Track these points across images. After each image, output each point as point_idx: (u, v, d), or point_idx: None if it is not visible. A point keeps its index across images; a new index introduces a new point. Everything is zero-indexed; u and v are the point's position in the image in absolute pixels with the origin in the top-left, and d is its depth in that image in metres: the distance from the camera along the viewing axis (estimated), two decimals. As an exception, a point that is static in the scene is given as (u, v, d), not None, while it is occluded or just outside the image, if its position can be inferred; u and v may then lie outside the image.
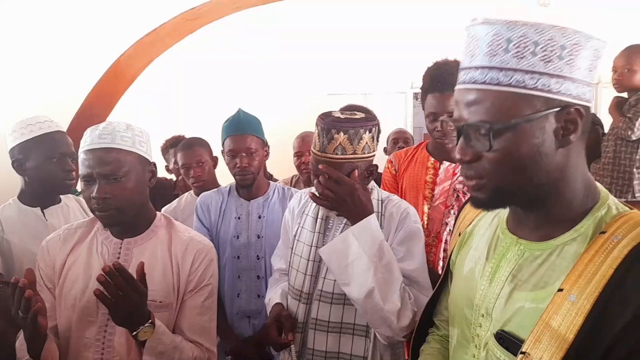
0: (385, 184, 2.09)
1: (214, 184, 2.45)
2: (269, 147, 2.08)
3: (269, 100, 4.25)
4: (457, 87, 0.84)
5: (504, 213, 0.94)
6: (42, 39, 2.42)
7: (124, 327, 1.25)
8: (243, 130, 1.97)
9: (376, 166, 1.53)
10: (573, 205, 0.82)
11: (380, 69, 4.69)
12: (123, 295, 1.17)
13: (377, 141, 1.54)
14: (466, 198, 1.60)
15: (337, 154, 1.43)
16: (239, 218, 2.01)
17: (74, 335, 1.36)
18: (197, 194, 2.27)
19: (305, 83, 4.77)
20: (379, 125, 1.54)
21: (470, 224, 1.03)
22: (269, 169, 3.01)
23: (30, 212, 1.84)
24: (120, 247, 1.41)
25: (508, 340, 0.82)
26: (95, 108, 2.48)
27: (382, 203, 1.55)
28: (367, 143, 1.47)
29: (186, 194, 2.48)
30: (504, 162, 0.78)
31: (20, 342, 1.29)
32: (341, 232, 1.51)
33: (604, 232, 0.77)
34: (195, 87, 4.75)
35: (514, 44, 0.75)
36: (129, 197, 1.35)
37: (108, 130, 1.34)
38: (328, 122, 1.43)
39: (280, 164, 3.01)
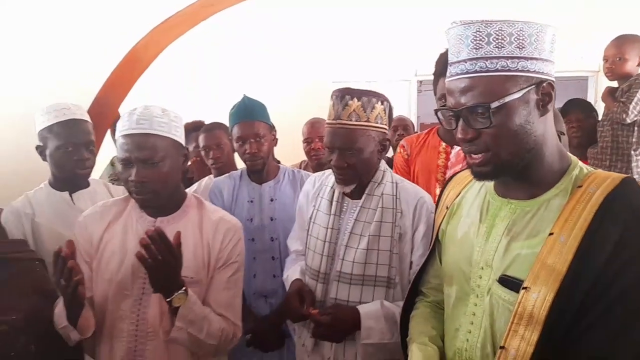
0: (398, 168, 2.15)
1: (232, 167, 2.48)
2: (276, 132, 2.11)
3: (274, 88, 4.27)
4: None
5: (489, 183, 1.09)
6: (60, 27, 2.44)
7: (160, 292, 1.31)
8: (250, 117, 2.00)
9: (389, 140, 1.59)
10: (552, 167, 0.99)
11: (384, 56, 4.71)
12: (162, 259, 1.24)
13: (389, 118, 1.61)
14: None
15: (351, 120, 1.50)
16: (251, 202, 2.06)
17: (110, 308, 1.42)
18: (216, 176, 2.31)
19: (309, 71, 4.80)
20: (390, 105, 1.61)
21: (455, 198, 1.18)
22: (275, 156, 3.04)
23: (59, 196, 1.87)
24: (154, 226, 1.46)
25: (510, 282, 0.96)
26: (111, 95, 2.52)
27: (395, 186, 1.61)
28: (379, 113, 1.54)
29: (205, 178, 2.52)
30: (502, 133, 0.94)
31: (59, 310, 1.35)
32: (356, 214, 1.57)
33: (580, 187, 0.95)
34: (204, 74, 4.77)
35: (494, 37, 0.92)
36: (164, 181, 1.40)
37: (146, 116, 1.38)
38: (342, 89, 1.52)
39: (285, 151, 3.07)
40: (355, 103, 1.50)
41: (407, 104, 5.01)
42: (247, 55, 4.74)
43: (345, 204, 1.63)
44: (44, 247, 1.79)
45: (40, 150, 1.85)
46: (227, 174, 2.19)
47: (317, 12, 4.55)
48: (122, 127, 1.41)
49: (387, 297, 1.54)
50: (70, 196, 1.89)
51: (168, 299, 1.31)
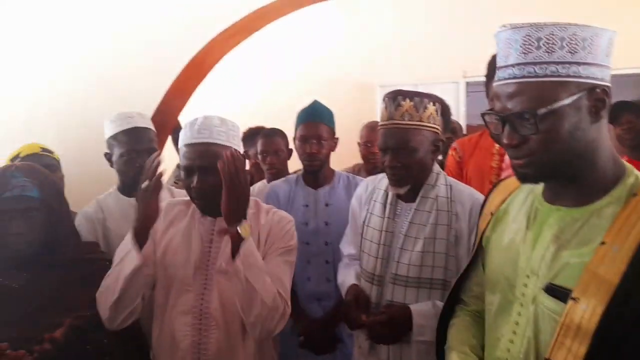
0: (450, 171, 2.14)
1: (286, 174, 2.55)
2: (337, 140, 2.16)
3: (321, 93, 4.33)
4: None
5: (537, 189, 1.06)
6: (126, 40, 2.60)
7: (231, 219, 1.38)
8: (316, 119, 2.07)
9: (442, 141, 1.60)
10: (605, 174, 0.95)
11: (431, 58, 4.68)
12: (237, 180, 1.35)
13: (443, 120, 1.62)
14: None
15: (404, 119, 1.52)
16: (306, 206, 2.10)
17: (171, 304, 1.49)
18: (270, 181, 2.37)
19: (356, 75, 4.83)
20: (444, 106, 1.62)
21: (501, 205, 1.15)
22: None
23: (126, 201, 1.96)
24: (214, 225, 1.54)
25: (557, 291, 0.93)
26: (172, 103, 2.64)
27: (450, 188, 1.61)
28: (432, 114, 1.55)
29: (259, 182, 2.60)
30: (550, 141, 0.91)
31: (123, 243, 1.44)
32: (410, 218, 1.58)
33: (635, 195, 0.91)
34: (257, 81, 4.90)
35: (544, 42, 0.89)
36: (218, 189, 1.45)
37: (206, 126, 1.47)
38: (395, 91, 1.54)
39: (334, 155, 3.13)
40: (407, 103, 1.53)
41: (455, 106, 4.94)
42: (296, 62, 4.82)
43: (399, 207, 1.64)
44: (113, 250, 1.88)
45: (108, 157, 1.95)
46: (283, 178, 2.24)
47: (363, 14, 4.57)
48: (184, 137, 1.50)
49: (444, 300, 1.53)
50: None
51: (236, 227, 1.37)
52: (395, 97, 1.55)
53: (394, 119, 1.54)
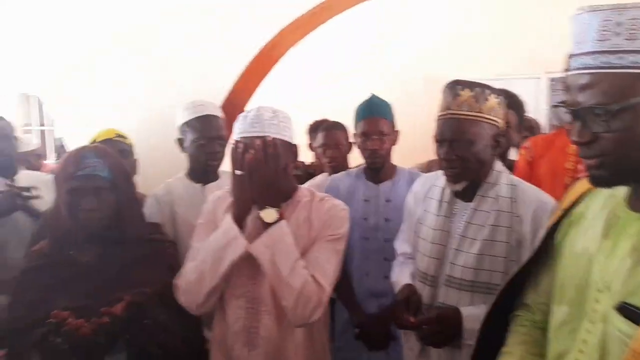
0: (518, 172, 2.03)
1: (346, 167, 2.56)
2: (398, 133, 2.12)
3: (388, 87, 4.25)
4: (569, 73, 0.87)
5: (619, 193, 0.93)
6: (199, 31, 2.72)
7: (259, 203, 1.44)
8: (376, 114, 2.04)
9: (504, 136, 1.50)
10: None
11: (509, 52, 4.43)
12: (263, 168, 1.39)
13: (517, 116, 1.52)
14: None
15: (462, 110, 1.44)
16: (367, 201, 2.08)
17: (227, 285, 1.53)
18: (330, 175, 2.39)
19: (427, 69, 4.69)
20: (516, 102, 1.52)
21: (573, 204, 1.04)
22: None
23: (192, 187, 2.05)
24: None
25: (631, 312, 0.81)
26: (241, 93, 2.73)
27: (513, 188, 1.51)
28: (493, 106, 1.46)
29: (320, 175, 2.62)
30: (624, 140, 0.80)
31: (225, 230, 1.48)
32: (468, 218, 1.50)
33: None
34: (324, 72, 4.91)
35: (625, 27, 0.78)
36: (273, 179, 1.47)
37: (258, 119, 1.49)
38: (454, 81, 1.47)
39: (398, 150, 3.06)
40: (467, 93, 1.45)
41: (534, 102, 4.65)
42: (363, 55, 4.77)
43: (456, 206, 1.57)
44: (179, 233, 1.97)
45: (180, 142, 2.05)
46: (344, 172, 2.24)
47: (435, 4, 4.42)
48: (238, 130, 1.53)
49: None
50: (203, 188, 2.05)
51: (262, 213, 1.41)
52: (453, 87, 1.47)
53: (450, 108, 1.47)
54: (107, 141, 2.19)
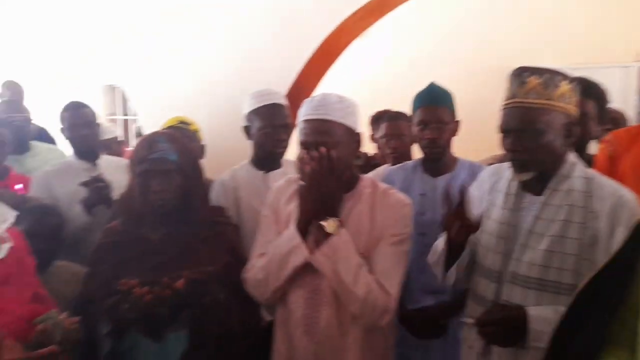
0: (599, 167, 1.87)
1: (409, 159, 2.49)
2: (459, 123, 2.02)
3: (457, 76, 4.07)
4: None
5: None
6: (262, 22, 2.80)
7: (313, 215, 1.46)
8: (436, 102, 1.95)
9: (578, 125, 1.39)
10: None
11: (594, 38, 4.10)
12: (322, 179, 1.40)
13: (597, 107, 1.40)
14: None
15: (529, 98, 1.35)
16: (423, 195, 1.99)
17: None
18: (393, 165, 2.32)
19: (500, 58, 4.45)
20: (597, 91, 1.40)
21: None
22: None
23: (256, 174, 2.11)
24: None
25: None
26: (305, 83, 2.76)
27: (588, 181, 1.40)
28: (565, 93, 1.35)
29: (383, 166, 2.58)
30: None
31: (288, 232, 1.53)
32: (537, 211, 1.41)
33: None
34: (388, 62, 4.83)
35: None
36: (338, 165, 1.47)
37: (323, 103, 1.50)
38: (521, 67, 1.37)
39: (467, 143, 2.94)
40: (534, 80, 1.35)
41: (622, 93, 4.26)
42: (429, 44, 4.61)
43: (525, 200, 1.48)
44: (242, 217, 2.03)
45: (246, 130, 2.10)
46: (400, 165, 2.17)
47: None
48: (302, 113, 1.54)
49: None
50: (266, 175, 2.09)
51: (321, 223, 1.43)
52: (520, 73, 1.38)
53: (517, 96, 1.38)
54: (171, 128, 2.29)
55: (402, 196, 1.57)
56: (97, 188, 2.21)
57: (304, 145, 1.52)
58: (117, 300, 1.50)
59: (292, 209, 1.60)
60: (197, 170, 1.73)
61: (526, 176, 1.42)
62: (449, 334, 1.94)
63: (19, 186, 2.35)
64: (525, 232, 1.43)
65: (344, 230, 1.45)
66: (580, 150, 1.91)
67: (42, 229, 1.88)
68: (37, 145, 2.88)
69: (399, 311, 1.92)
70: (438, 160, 1.99)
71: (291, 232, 1.50)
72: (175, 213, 1.64)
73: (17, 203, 1.93)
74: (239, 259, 1.68)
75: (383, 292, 1.46)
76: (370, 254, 1.52)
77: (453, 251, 1.48)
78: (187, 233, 1.65)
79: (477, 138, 2.76)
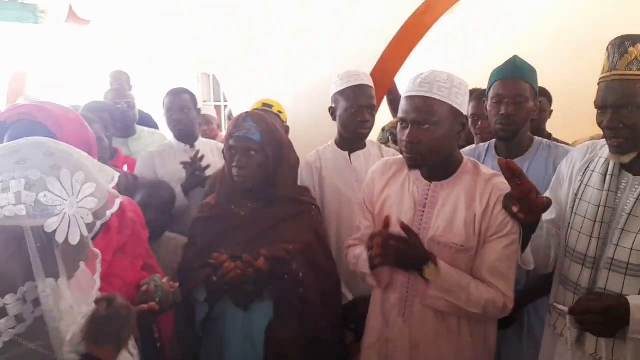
0: None
1: None
2: (540, 103, 1.87)
3: (552, 52, 3.76)
4: None
5: None
6: (351, 4, 2.78)
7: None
8: (515, 75, 1.80)
9: None
10: None
11: None
12: (396, 248, 1.39)
13: None
14: None
15: (631, 69, 1.24)
16: None
17: None
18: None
19: (596, 32, 4.03)
20: None
21: None
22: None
23: (340, 154, 2.14)
24: (429, 189, 1.52)
25: None
26: (389, 63, 2.72)
27: None
28: None
29: (468, 147, 2.49)
30: None
31: (360, 253, 1.58)
32: (638, 195, 1.31)
33: None
34: (479, 40, 4.58)
35: None
36: (435, 146, 1.42)
37: (428, 80, 1.41)
38: (621, 37, 1.26)
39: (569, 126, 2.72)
40: (637, 50, 1.24)
41: None
42: (523, 20, 4.29)
43: (624, 180, 1.38)
44: (325, 196, 2.10)
45: (332, 111, 2.14)
46: (472, 146, 2.06)
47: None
48: (406, 89, 1.47)
49: None
50: (349, 156, 2.13)
51: (420, 272, 1.41)
52: (621, 43, 1.27)
53: (617, 69, 1.27)
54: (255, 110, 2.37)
55: (507, 187, 1.40)
56: (194, 172, 2.36)
57: (401, 121, 1.47)
58: (210, 273, 1.61)
59: (388, 192, 1.59)
60: (282, 152, 1.76)
61: (627, 158, 1.33)
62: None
63: (125, 167, 2.54)
64: (625, 216, 1.34)
65: (443, 265, 1.42)
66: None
67: (156, 201, 2.05)
68: (141, 130, 3.11)
69: None
70: (511, 139, 1.86)
71: (364, 260, 1.52)
72: (261, 190, 1.72)
73: (129, 181, 2.15)
74: (320, 238, 1.73)
75: (502, 296, 1.43)
76: (471, 247, 1.46)
77: (526, 232, 1.41)
78: (274, 210, 1.73)
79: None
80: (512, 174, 1.30)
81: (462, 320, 1.50)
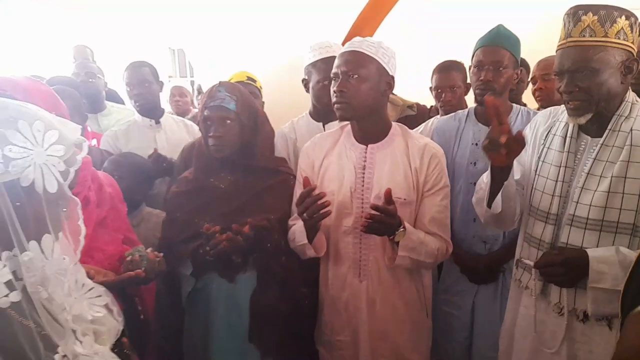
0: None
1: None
2: (521, 72, 1.93)
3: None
4: None
5: None
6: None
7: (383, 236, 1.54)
8: (496, 43, 1.85)
9: (637, 60, 1.34)
10: None
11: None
12: (382, 222, 1.46)
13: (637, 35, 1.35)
14: None
15: (584, 36, 1.32)
16: (476, 144, 1.93)
17: (334, 224, 1.63)
18: None
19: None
20: None
21: None
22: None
23: (314, 125, 2.16)
24: (366, 152, 1.63)
25: None
26: (361, 32, 2.74)
27: None
28: (622, 28, 1.31)
29: (432, 119, 2.46)
30: None
31: (299, 228, 1.62)
32: (596, 153, 1.40)
33: None
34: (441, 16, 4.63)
35: None
36: (362, 96, 1.54)
37: (359, 40, 1.58)
38: (576, 6, 1.34)
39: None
40: (589, 18, 1.31)
41: None
42: None
43: (582, 142, 1.46)
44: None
45: (305, 83, 2.14)
46: (451, 114, 2.11)
47: None
48: (341, 50, 1.60)
49: (632, 247, 1.36)
50: (324, 127, 2.14)
51: (391, 237, 1.51)
52: (575, 12, 1.34)
53: (571, 36, 1.35)
54: (239, 83, 2.33)
55: (436, 147, 1.65)
56: (158, 163, 2.28)
57: (334, 76, 1.57)
58: (199, 244, 1.62)
59: (327, 163, 1.67)
60: (257, 121, 1.77)
61: (583, 119, 1.40)
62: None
63: (93, 142, 2.46)
64: (584, 175, 1.42)
65: (407, 226, 1.53)
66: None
67: (127, 170, 2.01)
68: (111, 105, 3.02)
69: (456, 253, 1.97)
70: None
71: (300, 230, 1.59)
72: (238, 161, 1.73)
73: (104, 156, 2.10)
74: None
75: (444, 242, 1.63)
76: (412, 200, 1.61)
77: (497, 180, 1.47)
78: (253, 181, 1.74)
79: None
80: (496, 113, 1.35)
81: (407, 269, 1.63)
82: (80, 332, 0.85)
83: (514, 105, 2.01)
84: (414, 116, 2.69)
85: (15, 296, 0.77)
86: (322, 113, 2.15)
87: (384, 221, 1.46)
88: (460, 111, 2.11)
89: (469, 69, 2.00)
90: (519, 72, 1.93)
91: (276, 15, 2.94)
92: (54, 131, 0.80)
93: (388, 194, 1.44)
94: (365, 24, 2.70)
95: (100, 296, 0.94)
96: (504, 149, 1.33)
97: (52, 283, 0.81)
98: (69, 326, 0.83)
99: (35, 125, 0.79)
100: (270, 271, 1.68)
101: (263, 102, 2.51)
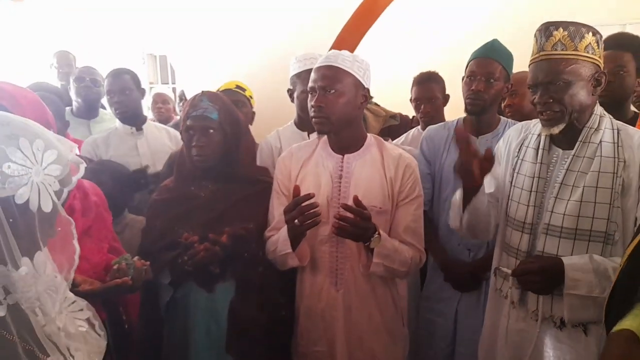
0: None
1: (441, 121, 2.47)
2: (509, 87, 1.98)
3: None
4: None
5: None
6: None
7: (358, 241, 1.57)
8: (490, 55, 1.92)
9: (604, 74, 1.41)
10: None
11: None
12: (356, 226, 1.48)
13: (622, 55, 1.43)
14: None
15: (556, 50, 1.39)
16: None
17: (310, 234, 1.62)
18: (424, 129, 2.30)
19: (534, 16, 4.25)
20: (632, 42, 1.43)
21: None
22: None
23: (299, 135, 2.18)
24: (342, 162, 1.66)
25: None
26: (347, 41, 2.77)
27: (617, 132, 1.44)
28: (590, 43, 1.38)
29: (414, 129, 2.55)
30: None
31: (282, 237, 1.61)
32: (568, 164, 1.45)
33: None
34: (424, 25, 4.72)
35: None
36: (340, 110, 1.57)
37: (334, 54, 1.61)
38: (546, 22, 1.41)
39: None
40: (560, 33, 1.39)
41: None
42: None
43: (554, 154, 1.52)
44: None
45: (290, 93, 2.17)
46: (442, 123, 2.17)
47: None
48: (317, 64, 1.62)
49: (604, 254, 1.41)
50: (309, 136, 2.16)
51: (366, 244, 1.53)
52: (546, 28, 1.42)
53: (544, 50, 1.41)
54: (227, 91, 2.37)
55: (410, 157, 1.68)
56: (137, 175, 2.23)
57: (311, 90, 1.60)
58: (178, 254, 1.61)
59: (304, 173, 1.69)
60: (239, 130, 1.77)
61: (556, 129, 1.45)
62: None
63: (75, 149, 2.45)
64: (557, 185, 1.47)
65: (382, 233, 1.55)
66: (621, 105, 1.90)
67: (108, 176, 1.99)
68: (104, 112, 2.98)
69: (442, 260, 2.04)
70: (478, 115, 1.97)
71: (284, 238, 1.59)
72: (219, 170, 1.73)
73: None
74: None
75: (418, 252, 1.66)
76: (387, 209, 1.64)
77: (469, 197, 1.55)
78: (233, 190, 1.74)
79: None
80: (463, 139, 1.45)
81: (381, 277, 1.66)
82: (74, 348, 0.85)
83: (502, 117, 2.07)
84: (397, 126, 2.74)
85: (0, 311, 0.77)
86: (306, 122, 2.15)
87: (358, 224, 1.48)
88: (450, 121, 2.17)
89: (462, 79, 2.06)
90: (509, 86, 1.99)
91: (259, 22, 2.95)
92: (53, 150, 0.82)
93: (356, 200, 1.47)
94: (350, 35, 2.74)
95: (82, 310, 0.94)
96: (476, 169, 1.42)
97: (43, 299, 0.82)
98: (63, 342, 0.83)
99: (36, 143, 0.81)
100: (248, 281, 1.68)
101: (254, 112, 2.50)
